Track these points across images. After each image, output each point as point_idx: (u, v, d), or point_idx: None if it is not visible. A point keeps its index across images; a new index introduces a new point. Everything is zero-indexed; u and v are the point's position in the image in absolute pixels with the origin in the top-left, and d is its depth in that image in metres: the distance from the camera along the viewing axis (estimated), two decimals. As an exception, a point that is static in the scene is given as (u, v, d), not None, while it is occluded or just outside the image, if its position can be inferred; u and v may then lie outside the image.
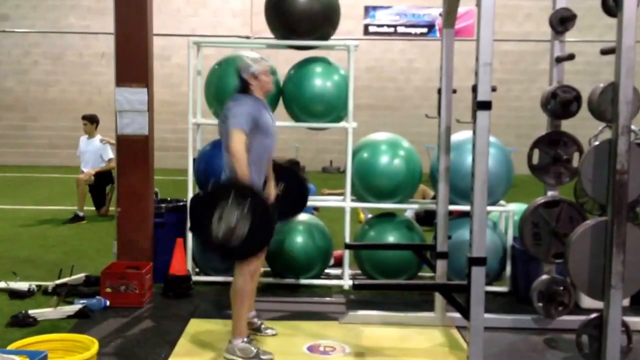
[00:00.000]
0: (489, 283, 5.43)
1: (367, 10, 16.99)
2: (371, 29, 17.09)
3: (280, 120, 5.11)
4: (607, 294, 3.68)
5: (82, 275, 5.73)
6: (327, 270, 6.12)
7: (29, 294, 5.40)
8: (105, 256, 6.42)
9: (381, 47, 17.19)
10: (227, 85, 5.84)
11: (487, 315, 3.94)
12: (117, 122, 5.64)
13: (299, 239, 5.74)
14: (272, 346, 4.37)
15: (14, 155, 17.27)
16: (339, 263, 6.19)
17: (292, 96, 5.91)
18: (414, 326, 4.87)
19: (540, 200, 4.78)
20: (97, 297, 5.18)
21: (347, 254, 5.81)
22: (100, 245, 7.44)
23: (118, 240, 5.68)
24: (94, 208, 9.63)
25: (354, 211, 7.75)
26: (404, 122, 16.18)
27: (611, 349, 3.70)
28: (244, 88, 4.31)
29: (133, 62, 5.60)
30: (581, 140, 4.81)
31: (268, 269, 5.88)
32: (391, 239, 5.79)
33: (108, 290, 5.20)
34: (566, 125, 4.77)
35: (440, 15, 5.04)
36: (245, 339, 4.19)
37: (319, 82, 5.85)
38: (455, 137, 5.52)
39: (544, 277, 4.81)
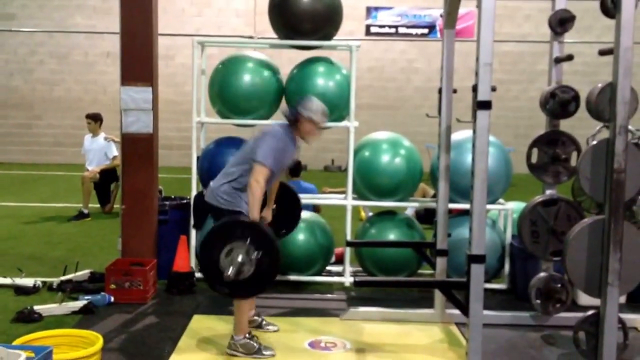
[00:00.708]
0: (487, 280, 5.47)
1: (369, 11, 17.01)
2: (373, 29, 17.11)
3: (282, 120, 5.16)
4: (604, 291, 3.71)
5: (86, 271, 5.78)
6: (328, 268, 6.16)
7: (34, 290, 5.44)
8: (110, 253, 6.47)
9: (382, 47, 17.21)
10: (230, 84, 5.91)
11: (486, 312, 3.98)
12: (122, 121, 5.69)
13: (301, 237, 5.78)
14: (274, 342, 4.42)
15: (19, 153, 17.32)
16: (340, 260, 6.23)
17: (295, 95, 5.95)
18: (413, 323, 4.92)
19: (539, 198, 4.82)
20: (102, 293, 5.22)
21: (348, 252, 5.85)
22: (105, 242, 7.49)
23: (122, 237, 5.72)
24: (98, 205, 9.67)
25: (355, 209, 7.78)
26: (404, 122, 16.22)
27: (608, 345, 3.72)
28: (294, 122, 4.33)
29: (138, 61, 5.65)
30: (579, 139, 4.85)
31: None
32: (392, 236, 5.83)
33: (112, 286, 5.24)
34: (564, 125, 4.81)
35: (441, 16, 5.09)
36: (247, 336, 4.24)
37: (321, 81, 5.89)
38: (456, 137, 5.56)
39: (542, 274, 4.85)
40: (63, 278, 5.59)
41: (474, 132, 3.84)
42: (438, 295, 4.93)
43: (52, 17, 17.18)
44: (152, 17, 5.66)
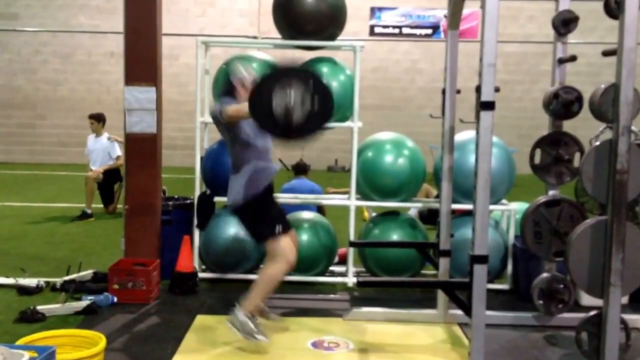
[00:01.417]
0: (490, 281, 5.47)
1: (373, 11, 17.03)
2: (377, 29, 17.13)
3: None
4: (606, 291, 3.70)
5: (90, 271, 5.80)
6: (331, 268, 6.17)
7: (37, 290, 5.45)
8: (113, 253, 6.48)
9: (386, 47, 17.22)
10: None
11: (488, 313, 3.97)
12: (126, 121, 5.69)
13: (304, 237, 5.79)
14: (277, 341, 4.42)
15: (22, 153, 17.37)
16: (343, 261, 6.24)
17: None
18: (416, 323, 4.91)
19: (542, 199, 4.81)
20: (105, 293, 5.22)
21: (351, 252, 5.86)
22: (108, 242, 7.51)
23: (126, 237, 5.73)
24: (102, 205, 9.69)
25: (359, 209, 7.78)
26: (408, 122, 16.21)
27: (610, 345, 3.72)
28: (231, 92, 4.44)
29: (142, 61, 5.65)
30: (582, 140, 4.84)
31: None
32: (395, 237, 5.84)
33: (115, 286, 5.25)
34: (567, 126, 4.81)
35: (445, 16, 5.09)
36: (249, 315, 4.25)
37: (325, 81, 5.88)
38: (459, 137, 5.56)
39: (545, 275, 4.85)
40: (66, 278, 5.59)
41: (477, 132, 3.84)
42: (441, 296, 4.93)
43: (55, 17, 17.22)
44: (156, 16, 5.66)
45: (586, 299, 5.05)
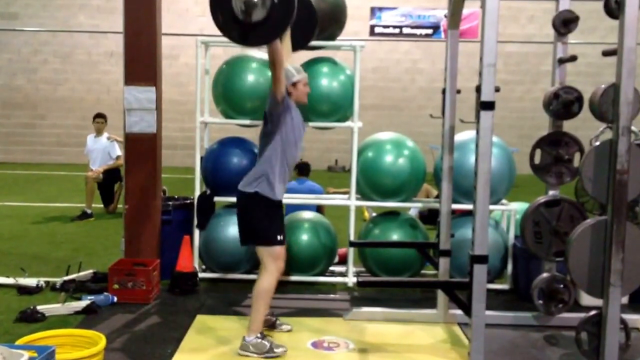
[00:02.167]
0: (490, 281, 5.48)
1: (373, 11, 17.04)
2: (377, 29, 17.14)
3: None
4: (606, 291, 3.70)
5: (90, 271, 5.80)
6: (331, 268, 6.17)
7: (37, 289, 5.45)
8: (113, 253, 6.49)
9: (386, 47, 17.23)
10: (234, 84, 5.91)
11: (488, 312, 3.98)
12: (126, 120, 5.69)
13: (304, 237, 5.80)
14: (277, 341, 4.40)
15: (22, 153, 17.38)
16: (343, 260, 6.24)
17: (298, 95, 5.95)
18: (416, 323, 4.92)
19: (542, 199, 4.81)
20: (105, 293, 5.23)
21: (351, 252, 5.86)
22: (108, 242, 7.52)
23: (125, 237, 5.73)
24: (102, 205, 9.70)
25: (359, 209, 7.78)
26: (408, 122, 16.24)
27: (610, 345, 3.72)
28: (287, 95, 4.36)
29: (142, 61, 5.65)
30: (582, 140, 4.84)
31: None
32: (395, 237, 5.84)
33: (115, 286, 5.25)
34: (568, 126, 4.81)
35: (445, 16, 5.09)
36: (259, 335, 4.23)
37: (326, 81, 5.89)
38: (459, 137, 5.57)
39: (545, 275, 4.85)
40: (66, 278, 5.60)
41: (478, 132, 3.85)
42: (441, 296, 4.93)
43: (55, 17, 17.23)
44: (155, 16, 5.67)
45: (586, 299, 5.05)
